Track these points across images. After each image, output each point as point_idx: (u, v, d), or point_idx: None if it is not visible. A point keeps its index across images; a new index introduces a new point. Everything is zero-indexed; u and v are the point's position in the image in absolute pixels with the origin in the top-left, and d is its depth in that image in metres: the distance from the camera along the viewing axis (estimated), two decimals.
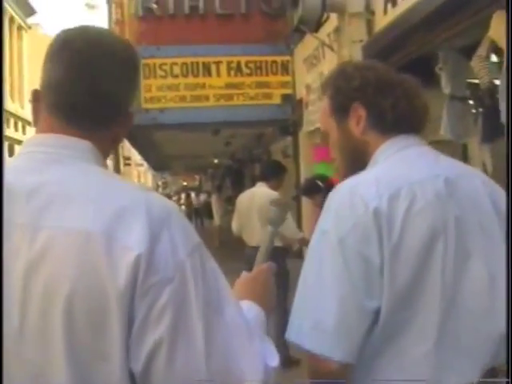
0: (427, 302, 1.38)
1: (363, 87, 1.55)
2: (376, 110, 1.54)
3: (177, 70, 10.98)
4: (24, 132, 41.41)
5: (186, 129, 11.56)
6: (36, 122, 1.18)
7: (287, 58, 11.20)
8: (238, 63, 11.05)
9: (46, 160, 1.10)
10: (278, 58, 11.20)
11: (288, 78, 11.21)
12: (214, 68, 11.01)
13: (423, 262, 1.37)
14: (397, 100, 1.53)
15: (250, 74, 11.09)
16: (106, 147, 1.20)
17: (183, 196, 35.24)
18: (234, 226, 6.34)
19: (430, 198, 1.40)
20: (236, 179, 21.77)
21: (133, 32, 10.98)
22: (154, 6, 11.03)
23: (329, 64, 8.72)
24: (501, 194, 1.56)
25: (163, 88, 10.96)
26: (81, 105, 1.14)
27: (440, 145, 5.75)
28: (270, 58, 11.17)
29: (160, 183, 53.35)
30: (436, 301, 1.38)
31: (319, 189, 5.76)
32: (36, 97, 1.19)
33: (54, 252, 1.00)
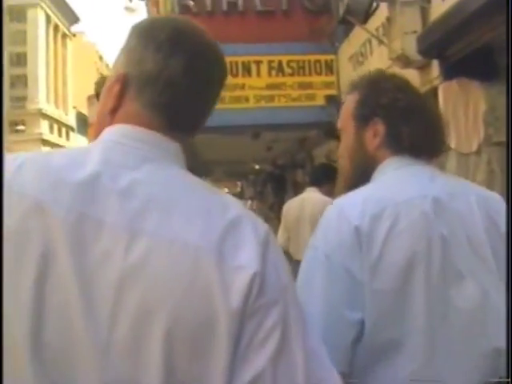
0: (413, 320, 1.42)
1: (390, 108, 1.60)
2: (395, 132, 1.60)
3: None
4: (68, 138, 42.06)
5: (224, 132, 11.06)
6: (115, 110, 1.12)
7: (331, 56, 10.63)
8: (280, 63, 10.55)
9: (142, 157, 1.03)
10: (322, 57, 10.65)
11: (332, 78, 10.64)
12: (254, 68, 10.54)
13: (404, 281, 1.42)
14: (417, 129, 1.59)
15: (292, 74, 10.58)
16: None
17: None
18: (280, 238, 5.76)
19: (415, 218, 1.46)
20: (278, 185, 21.39)
21: None
22: (191, 2, 10.60)
23: (378, 60, 8.14)
24: (499, 208, 1.58)
25: None
26: (188, 109, 1.13)
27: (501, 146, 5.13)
28: (313, 57, 10.64)
29: None
30: (421, 319, 1.42)
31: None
32: (125, 82, 1.12)
33: (155, 264, 0.92)
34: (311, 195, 5.64)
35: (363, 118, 1.66)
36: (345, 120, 1.72)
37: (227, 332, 0.92)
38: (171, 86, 1.11)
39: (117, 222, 0.95)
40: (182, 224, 0.96)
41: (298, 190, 7.39)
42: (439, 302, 1.45)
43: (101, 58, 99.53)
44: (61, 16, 75.55)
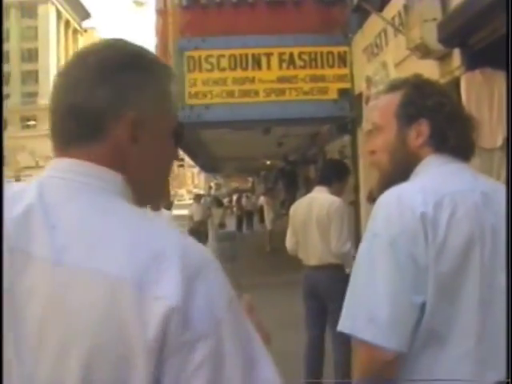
0: (468, 300, 1.52)
1: (436, 110, 1.69)
2: (440, 134, 1.69)
3: (224, 62, 10.19)
4: None
5: (233, 126, 10.82)
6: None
7: (344, 48, 10.28)
8: (291, 55, 10.21)
9: (75, 189, 1.02)
10: (335, 49, 10.29)
11: (346, 71, 10.29)
12: (264, 60, 10.21)
13: (463, 262, 1.51)
14: (460, 133, 1.70)
15: (303, 67, 10.24)
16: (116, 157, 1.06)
17: (234, 198, 34.57)
18: (289, 243, 5.31)
19: (470, 207, 1.55)
20: (289, 182, 21.20)
21: (176, 23, 10.38)
22: None
23: (394, 51, 7.78)
24: None
25: (209, 82, 10.21)
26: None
27: None
28: (325, 49, 10.27)
29: (212, 185, 53.20)
30: (475, 300, 1.52)
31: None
32: None
33: (75, 295, 0.91)
34: (319, 195, 5.19)
35: (408, 117, 1.72)
36: (386, 117, 1.76)
37: (145, 367, 0.89)
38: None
39: (42, 255, 0.94)
40: (105, 256, 0.93)
41: (310, 186, 7.16)
42: (488, 287, 1.54)
43: None
44: (72, 11, 75.54)
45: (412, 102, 1.72)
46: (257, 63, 10.19)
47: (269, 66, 10.19)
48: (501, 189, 1.71)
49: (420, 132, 1.71)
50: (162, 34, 10.35)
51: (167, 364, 0.90)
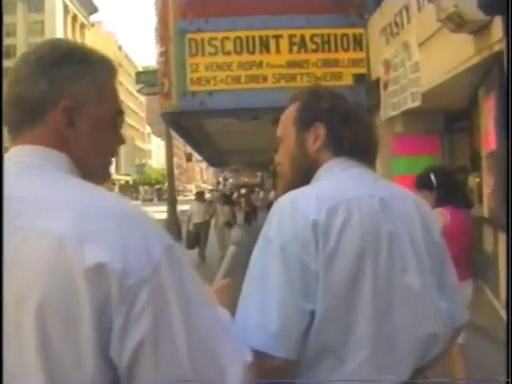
0: (362, 310, 1.52)
1: (330, 112, 1.70)
2: (336, 135, 1.70)
3: (229, 45, 9.54)
4: None
5: (239, 115, 10.00)
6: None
7: (360, 30, 9.54)
8: (302, 37, 9.51)
9: (24, 167, 1.17)
10: (350, 31, 9.56)
11: (361, 55, 9.57)
12: (272, 43, 9.52)
13: (356, 271, 1.52)
14: (356, 132, 1.70)
15: (315, 51, 9.52)
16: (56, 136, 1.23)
17: (242, 192, 33.73)
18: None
19: (365, 214, 1.56)
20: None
21: (177, 3, 9.58)
22: None
23: (418, 29, 7.02)
24: (428, 212, 1.77)
25: (213, 67, 9.55)
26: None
27: None
28: (339, 31, 9.55)
29: (221, 179, 52.50)
30: (369, 309, 1.53)
31: (430, 184, 4.57)
32: None
33: (26, 253, 1.03)
34: None
35: (305, 122, 1.74)
36: (285, 128, 1.79)
37: (92, 316, 0.99)
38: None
39: (6, 224, 1.07)
40: (49, 217, 1.05)
41: None
42: (384, 294, 1.56)
43: (120, 48, 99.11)
44: (79, 6, 75.06)
45: (307, 107, 1.75)
46: (265, 46, 9.53)
47: (278, 50, 9.53)
48: (402, 195, 1.74)
49: (317, 136, 1.72)
50: (162, 14, 9.58)
51: (115, 311, 1.00)
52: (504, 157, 4.40)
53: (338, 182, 1.65)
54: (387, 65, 8.36)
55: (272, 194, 22.38)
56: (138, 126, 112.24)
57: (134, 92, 66.29)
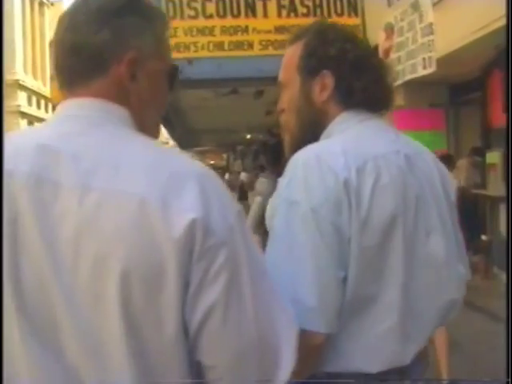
0: (391, 276, 1.45)
1: (339, 59, 1.58)
2: (345, 86, 1.58)
3: (211, 8, 8.88)
4: (47, 110, 40.67)
5: (222, 85, 9.24)
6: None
7: None
8: (292, 0, 8.87)
9: (89, 123, 1.13)
10: None
11: (357, 21, 8.89)
12: (259, 6, 8.88)
13: (387, 236, 1.44)
14: (368, 83, 1.58)
15: (306, 15, 8.84)
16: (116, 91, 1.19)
17: None
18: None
19: (394, 174, 1.47)
20: (274, 157, 19.58)
21: None
22: None
23: None
24: (445, 170, 1.69)
25: (193, 32, 8.92)
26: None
27: None
28: None
29: None
30: (399, 275, 1.46)
31: None
32: None
33: (106, 214, 1.02)
34: None
35: (310, 70, 1.60)
36: (288, 72, 1.66)
37: (175, 273, 1.00)
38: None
39: (70, 183, 1.04)
40: (128, 178, 1.04)
41: None
42: (411, 259, 1.48)
43: None
44: None
45: (313, 53, 1.60)
46: (251, 9, 8.90)
47: (265, 13, 8.91)
48: (422, 151, 1.65)
49: (324, 85, 1.59)
50: None
51: (194, 268, 1.01)
52: None
53: (360, 136, 1.55)
54: (389, 30, 7.60)
55: (243, 176, 21.70)
56: None
57: None
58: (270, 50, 8.74)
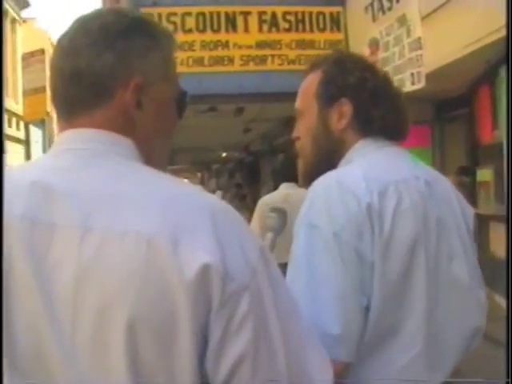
0: (414, 302, 1.42)
1: (358, 88, 1.59)
2: (364, 115, 1.58)
3: (190, 22, 8.64)
4: (18, 128, 40.46)
5: (201, 102, 9.01)
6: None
7: (338, 8, 8.68)
8: (273, 15, 8.64)
9: (92, 156, 1.04)
10: (326, 9, 8.68)
11: (339, 36, 8.71)
12: (240, 21, 8.65)
13: (409, 260, 1.42)
14: (387, 112, 1.58)
15: (288, 30, 8.67)
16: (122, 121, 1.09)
17: None
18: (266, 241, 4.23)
19: (415, 198, 1.46)
20: (250, 175, 19.47)
21: None
22: None
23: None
24: (463, 198, 1.66)
25: None
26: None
27: None
28: (315, 9, 8.68)
29: None
30: (422, 301, 1.43)
31: None
32: None
33: (109, 258, 0.92)
34: (296, 191, 4.92)
35: (328, 97, 1.61)
36: (306, 100, 1.67)
37: (190, 323, 0.90)
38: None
39: (68, 224, 0.96)
40: (134, 216, 0.95)
41: (278, 179, 5.86)
42: (434, 284, 1.45)
43: (53, 45, 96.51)
44: (10, 0, 72.49)
45: (332, 80, 1.61)
46: (231, 24, 8.66)
47: (246, 28, 8.66)
48: (440, 178, 1.65)
49: (342, 113, 1.59)
50: None
51: (214, 318, 0.91)
52: None
53: (379, 161, 1.54)
54: (374, 45, 7.41)
55: (218, 194, 21.53)
56: None
57: None
58: (251, 66, 8.57)
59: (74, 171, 1.01)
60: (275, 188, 5.41)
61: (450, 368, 1.50)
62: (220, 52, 8.57)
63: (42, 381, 0.94)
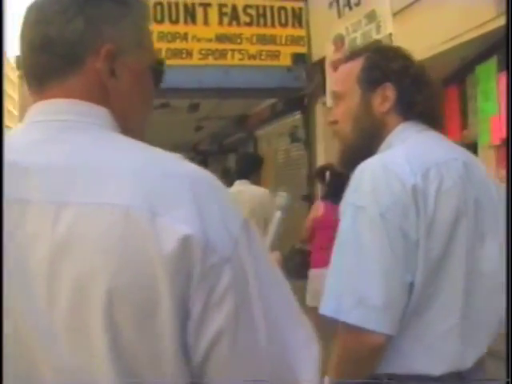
0: (453, 277, 1.49)
1: (402, 73, 1.66)
2: (407, 99, 1.66)
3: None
4: None
5: (156, 96, 8.52)
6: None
7: (300, 4, 8.30)
8: (234, 8, 8.17)
9: (65, 128, 1.00)
10: (288, 4, 8.27)
11: (301, 32, 8.30)
12: (200, 12, 8.13)
13: (450, 238, 1.49)
14: (427, 97, 1.67)
15: (249, 24, 8.20)
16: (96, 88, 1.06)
17: None
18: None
19: (455, 179, 1.53)
20: None
21: None
22: None
23: None
24: (497, 182, 1.78)
25: None
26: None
27: None
28: (276, 3, 8.25)
29: None
30: (461, 276, 1.50)
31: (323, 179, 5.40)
32: None
33: (86, 232, 0.89)
34: (248, 188, 5.36)
35: (372, 82, 1.67)
36: (346, 84, 1.72)
37: (170, 298, 0.88)
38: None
39: (41, 198, 0.92)
40: (110, 188, 0.92)
41: (229, 178, 5.59)
42: (471, 263, 1.51)
43: None
44: None
45: (376, 66, 1.68)
46: (190, 16, 8.13)
47: (206, 21, 8.15)
48: (475, 160, 1.71)
49: (385, 97, 1.66)
50: None
51: (195, 291, 0.89)
52: None
53: (420, 145, 1.61)
54: (339, 41, 7.24)
55: None
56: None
57: (13, 78, 62.21)
58: (210, 60, 8.14)
59: (47, 144, 0.97)
60: (226, 186, 5.21)
61: (485, 346, 1.56)
62: (178, 44, 8.14)
63: (21, 362, 0.90)
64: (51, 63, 1.03)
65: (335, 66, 7.30)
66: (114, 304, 0.87)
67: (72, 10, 1.03)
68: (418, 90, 1.64)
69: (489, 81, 5.14)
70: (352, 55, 1.77)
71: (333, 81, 1.87)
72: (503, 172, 4.80)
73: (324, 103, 7.70)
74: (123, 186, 0.91)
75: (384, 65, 1.66)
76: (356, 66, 1.71)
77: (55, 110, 1.02)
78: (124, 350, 0.88)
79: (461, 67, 5.91)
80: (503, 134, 4.84)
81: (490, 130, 5.10)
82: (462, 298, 1.50)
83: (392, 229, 1.42)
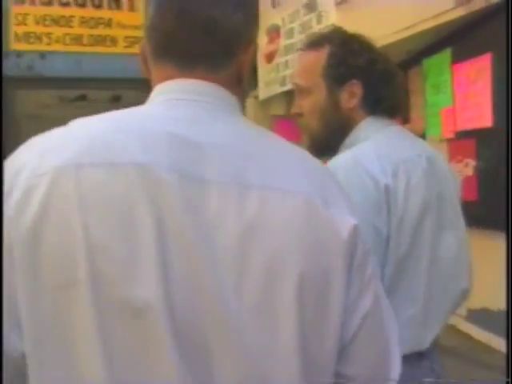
0: (417, 268, 1.57)
1: (369, 69, 1.65)
2: (375, 95, 1.66)
3: None
4: None
5: (76, 86, 8.15)
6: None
7: None
8: None
9: (211, 109, 0.97)
10: None
11: None
12: None
13: (417, 232, 1.56)
14: (393, 91, 1.69)
15: None
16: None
17: None
18: None
19: (420, 175, 1.59)
20: None
21: None
22: None
23: None
24: (455, 174, 1.85)
25: (46, 21, 7.86)
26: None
27: None
28: None
29: None
30: (424, 266, 1.58)
31: None
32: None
33: (273, 215, 0.90)
34: None
35: (338, 78, 1.67)
36: (311, 78, 1.70)
37: (341, 282, 0.93)
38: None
39: (221, 179, 0.91)
40: (284, 175, 0.93)
41: None
42: (432, 252, 1.59)
43: None
44: None
45: (342, 62, 1.66)
46: (115, 1, 7.98)
47: (131, 7, 8.03)
48: (437, 154, 1.74)
49: (353, 93, 1.67)
50: None
51: (354, 275, 0.94)
52: None
53: (387, 141, 1.65)
54: (274, 32, 7.09)
55: None
56: None
57: None
58: (137, 48, 7.70)
59: (200, 124, 0.94)
60: None
61: (441, 326, 1.64)
62: (102, 31, 7.88)
63: (198, 347, 0.87)
64: (211, 46, 0.99)
65: (270, 58, 7.14)
66: (304, 286, 0.89)
67: (233, 2, 1.00)
68: (385, 85, 1.66)
69: (441, 73, 5.04)
70: (313, 44, 1.71)
71: (295, 72, 1.76)
72: (456, 166, 4.72)
73: (256, 97, 7.47)
74: (297, 174, 0.94)
75: (351, 61, 1.64)
76: (319, 58, 1.68)
77: (200, 91, 0.98)
78: (307, 333, 0.90)
79: (404, 61, 5.81)
80: (456, 126, 4.73)
81: (441, 124, 5.00)
82: (425, 286, 1.58)
83: (364, 226, 1.28)
